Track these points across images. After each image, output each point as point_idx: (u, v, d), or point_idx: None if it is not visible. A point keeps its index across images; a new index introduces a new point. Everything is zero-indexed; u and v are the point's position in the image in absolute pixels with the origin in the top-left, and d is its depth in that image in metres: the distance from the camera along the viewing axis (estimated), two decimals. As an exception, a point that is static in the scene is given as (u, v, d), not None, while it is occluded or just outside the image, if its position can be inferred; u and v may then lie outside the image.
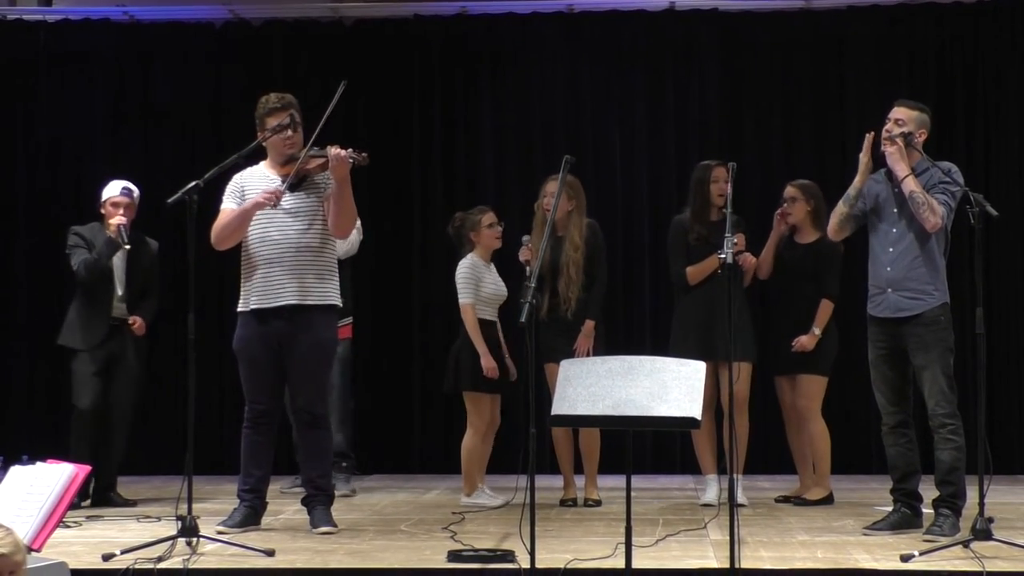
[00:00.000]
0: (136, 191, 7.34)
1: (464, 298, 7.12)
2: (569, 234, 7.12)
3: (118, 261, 7.27)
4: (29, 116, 9.62)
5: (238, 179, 6.15)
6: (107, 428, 7.28)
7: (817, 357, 7.13)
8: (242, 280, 6.14)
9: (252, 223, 6.03)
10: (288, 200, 6.04)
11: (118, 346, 7.27)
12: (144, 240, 7.43)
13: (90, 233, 7.29)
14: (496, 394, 7.22)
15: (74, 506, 5.62)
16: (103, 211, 7.28)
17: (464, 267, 7.17)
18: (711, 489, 7.10)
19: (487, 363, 7.00)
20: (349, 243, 7.53)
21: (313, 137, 6.04)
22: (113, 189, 7.28)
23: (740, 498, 6.92)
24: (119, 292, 7.29)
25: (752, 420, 8.73)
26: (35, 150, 9.59)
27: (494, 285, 7.23)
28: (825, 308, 7.10)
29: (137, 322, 7.28)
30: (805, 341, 7.08)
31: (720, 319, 6.64)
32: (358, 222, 7.35)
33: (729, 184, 6.03)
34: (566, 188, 6.90)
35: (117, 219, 7.14)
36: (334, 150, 5.91)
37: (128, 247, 7.14)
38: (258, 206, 5.97)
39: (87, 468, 5.14)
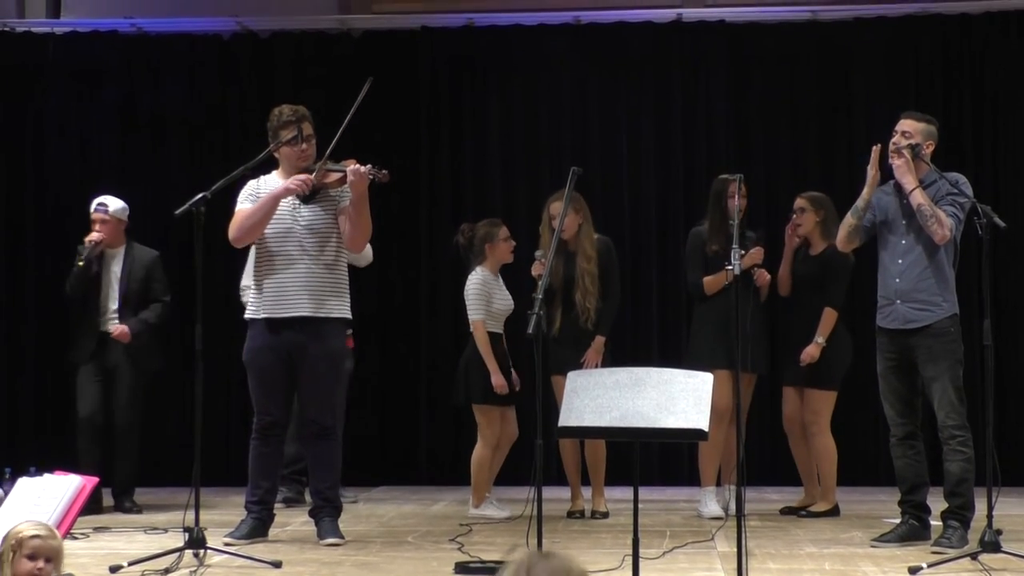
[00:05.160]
0: (113, 205, 7.45)
1: (475, 314, 7.12)
2: (581, 247, 7.12)
3: (113, 276, 7.41)
4: (38, 127, 9.64)
5: (255, 184, 6.15)
6: (114, 438, 7.41)
7: (825, 371, 7.11)
8: (252, 291, 6.14)
9: (266, 234, 6.02)
10: (303, 213, 6.04)
11: (112, 357, 7.38)
12: (134, 250, 7.48)
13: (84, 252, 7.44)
14: (508, 407, 7.22)
15: (82, 514, 5.62)
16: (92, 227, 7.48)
17: (475, 282, 7.17)
18: (711, 502, 7.09)
19: (497, 380, 7.01)
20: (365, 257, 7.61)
21: (333, 143, 6.02)
22: (92, 205, 7.48)
23: (722, 509, 6.95)
24: (113, 306, 7.38)
25: (760, 431, 8.71)
26: (44, 161, 9.61)
27: (502, 300, 7.23)
28: (828, 317, 7.08)
29: (118, 329, 7.34)
30: (811, 351, 7.07)
31: (734, 329, 6.66)
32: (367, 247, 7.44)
33: (736, 197, 6.04)
34: (574, 202, 6.90)
35: (90, 236, 7.34)
36: (353, 166, 5.90)
37: (81, 264, 7.26)
38: (289, 191, 5.95)
39: (95, 480, 5.15)
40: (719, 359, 6.80)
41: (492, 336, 7.15)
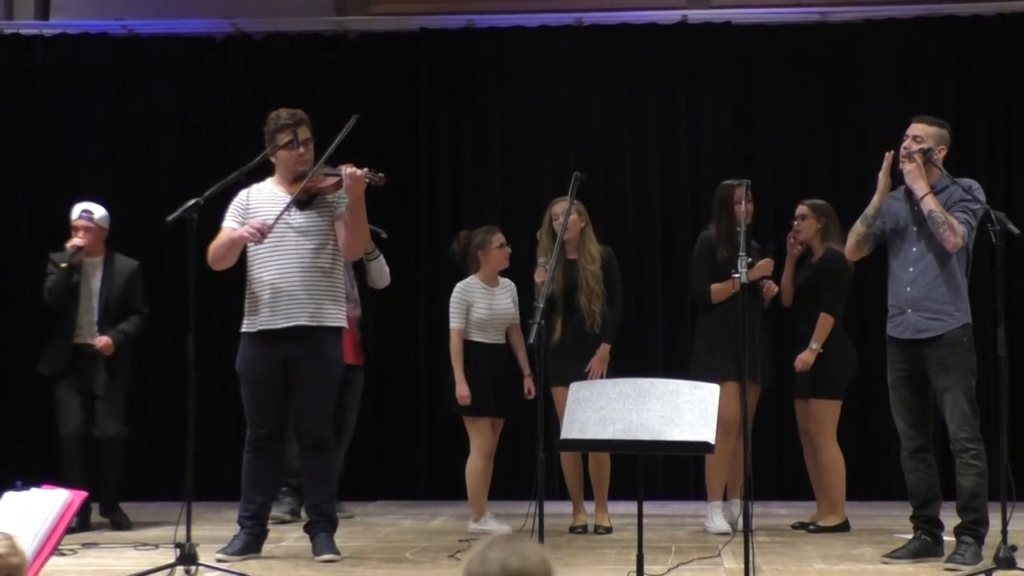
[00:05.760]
0: (98, 213, 7.44)
1: (451, 322, 7.18)
2: (585, 248, 7.12)
3: (92, 285, 7.37)
4: (27, 132, 9.63)
5: (244, 196, 6.13)
6: (100, 452, 7.38)
7: (827, 380, 7.10)
8: (247, 300, 6.12)
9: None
10: (298, 219, 6.03)
11: (91, 370, 7.34)
12: (114, 260, 7.48)
13: (63, 259, 7.38)
14: (495, 417, 7.21)
15: (71, 530, 5.60)
16: (72, 234, 7.41)
17: (456, 291, 7.23)
18: (717, 517, 7.07)
19: (460, 391, 7.04)
20: (383, 277, 7.66)
21: (320, 162, 6.03)
22: (75, 212, 7.43)
23: (729, 524, 6.93)
24: (91, 317, 7.36)
25: (768, 444, 8.68)
26: (33, 166, 9.60)
27: (488, 309, 7.20)
28: (824, 323, 7.07)
29: (101, 342, 7.30)
30: (805, 357, 7.06)
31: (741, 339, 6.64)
32: (386, 269, 7.54)
33: (743, 202, 6.02)
34: (577, 206, 6.90)
35: (72, 241, 7.29)
36: (349, 169, 5.88)
37: (64, 265, 7.24)
38: (243, 240, 5.96)
39: (83, 494, 5.14)
40: (725, 370, 6.79)
41: (481, 346, 7.16)
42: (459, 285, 7.24)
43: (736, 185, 7.04)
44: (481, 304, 7.19)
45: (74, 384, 7.35)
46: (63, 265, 7.25)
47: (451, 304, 7.20)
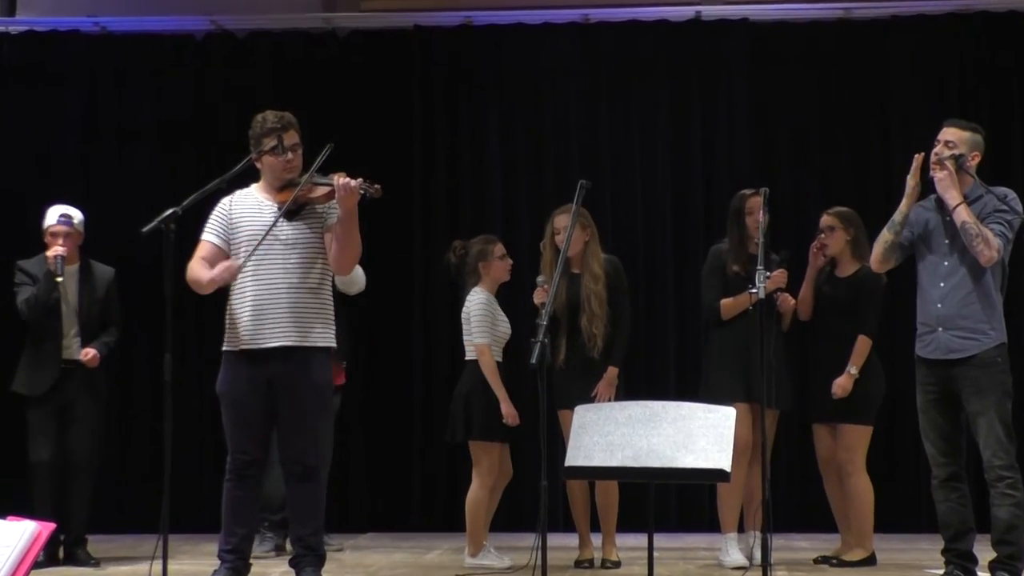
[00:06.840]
0: (77, 217, 7.41)
1: (480, 337, 7.10)
2: (588, 266, 7.10)
3: (70, 296, 7.33)
4: (-8, 136, 9.66)
5: (226, 204, 6.09)
6: (70, 480, 7.32)
7: (859, 404, 7.08)
8: (228, 317, 6.08)
9: (244, 253, 6.00)
10: (286, 231, 6.00)
11: (73, 391, 7.30)
12: (91, 268, 7.46)
13: (35, 267, 7.35)
14: (507, 443, 7.20)
15: (38, 565, 5.59)
16: (46, 241, 7.35)
17: (478, 303, 7.15)
18: (733, 549, 7.06)
19: (508, 409, 6.99)
20: (356, 283, 7.63)
21: (310, 172, 6.01)
22: (51, 217, 7.36)
23: (745, 558, 6.93)
24: (72, 330, 7.33)
25: (790, 473, 8.66)
26: (-1, 172, 9.62)
27: (505, 323, 7.23)
28: (862, 346, 7.05)
29: (89, 354, 7.27)
30: (843, 382, 7.04)
31: (756, 358, 6.63)
32: (360, 271, 7.51)
33: (762, 212, 6.01)
34: (580, 217, 6.88)
35: (54, 250, 7.22)
36: (342, 180, 5.86)
37: (60, 279, 7.17)
38: (218, 283, 5.90)
39: (51, 526, 5.12)
40: (738, 391, 6.79)
41: (498, 365, 7.14)
42: (478, 297, 7.17)
43: (750, 195, 7.03)
44: (501, 318, 7.19)
45: (52, 406, 7.29)
46: (58, 279, 7.16)
47: (476, 317, 7.12)
